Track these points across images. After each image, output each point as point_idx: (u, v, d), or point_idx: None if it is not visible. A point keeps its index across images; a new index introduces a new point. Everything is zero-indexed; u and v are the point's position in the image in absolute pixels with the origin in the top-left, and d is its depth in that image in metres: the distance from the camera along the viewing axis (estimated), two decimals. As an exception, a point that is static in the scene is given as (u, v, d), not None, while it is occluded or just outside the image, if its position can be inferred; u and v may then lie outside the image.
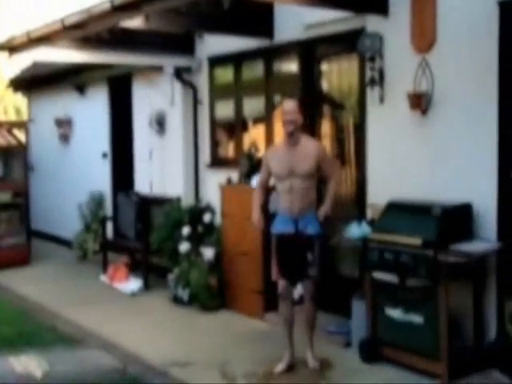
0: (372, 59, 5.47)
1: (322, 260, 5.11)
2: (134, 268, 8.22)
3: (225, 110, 7.78)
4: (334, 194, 5.19)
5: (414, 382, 4.73)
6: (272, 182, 5.30)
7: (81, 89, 10.32)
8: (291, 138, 5.02)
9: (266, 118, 6.99)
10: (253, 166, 6.49)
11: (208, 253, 6.84)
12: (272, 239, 5.22)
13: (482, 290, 4.83)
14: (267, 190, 5.56)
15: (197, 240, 7.13)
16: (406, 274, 4.71)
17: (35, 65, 7.51)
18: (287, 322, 5.17)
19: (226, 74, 7.78)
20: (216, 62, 7.74)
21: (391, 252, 4.78)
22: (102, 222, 8.92)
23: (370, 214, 5.53)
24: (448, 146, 5.02)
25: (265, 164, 5.24)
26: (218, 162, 7.84)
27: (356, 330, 5.35)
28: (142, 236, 8.05)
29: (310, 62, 6.41)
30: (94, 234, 9.38)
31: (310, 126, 6.38)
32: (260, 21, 6.68)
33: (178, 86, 8.04)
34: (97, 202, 9.74)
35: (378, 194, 5.46)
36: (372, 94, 5.56)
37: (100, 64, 8.08)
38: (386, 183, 5.48)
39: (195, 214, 7.35)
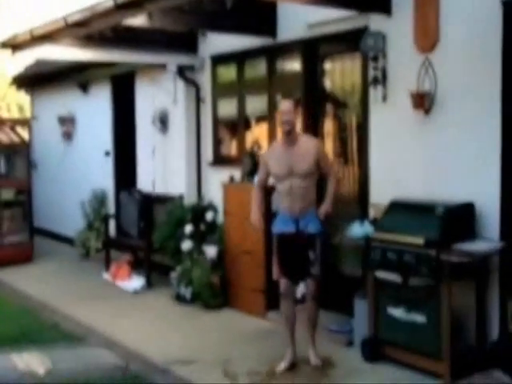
0: (375, 58, 5.46)
1: (324, 258, 5.12)
2: (136, 266, 8.23)
3: (227, 108, 7.77)
4: (333, 192, 5.19)
5: (416, 381, 4.73)
6: (271, 181, 5.30)
7: (84, 87, 10.33)
8: (289, 137, 5.03)
9: (268, 117, 6.98)
10: (255, 164, 6.48)
11: (210, 251, 6.85)
12: (273, 239, 5.23)
13: (485, 290, 4.83)
14: (269, 190, 5.56)
15: (199, 238, 7.14)
16: (409, 273, 4.71)
17: (38, 63, 7.50)
18: (289, 320, 5.18)
19: (228, 73, 7.78)
20: (219, 60, 7.74)
21: (394, 251, 4.78)
22: (105, 219, 8.93)
23: (372, 213, 5.52)
24: (451, 145, 5.01)
25: (263, 164, 5.25)
26: (220, 160, 7.84)
27: (358, 329, 5.36)
28: (144, 234, 8.06)
29: (313, 61, 6.41)
30: (96, 232, 9.39)
31: (312, 125, 6.40)
32: (263, 19, 6.68)
33: (180, 84, 8.04)
34: (99, 199, 9.74)
35: (381, 193, 5.46)
36: (375, 93, 5.55)
37: (103, 62, 8.09)
38: (389, 182, 5.48)
39: (198, 212, 7.35)
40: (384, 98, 5.48)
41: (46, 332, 6.29)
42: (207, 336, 5.95)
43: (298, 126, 6.18)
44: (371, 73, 5.54)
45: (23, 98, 15.21)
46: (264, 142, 6.95)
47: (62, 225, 10.85)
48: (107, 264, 8.50)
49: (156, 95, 8.36)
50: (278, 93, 6.80)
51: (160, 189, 8.45)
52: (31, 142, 10.32)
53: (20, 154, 9.91)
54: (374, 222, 5.20)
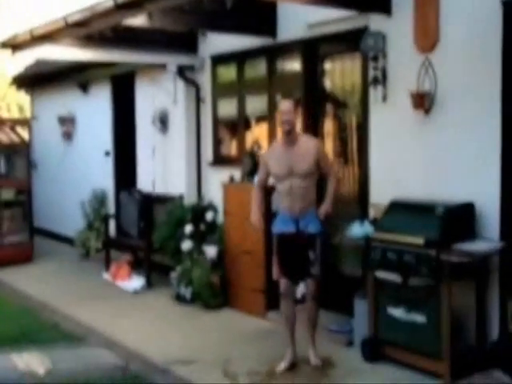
0: (375, 58, 5.46)
1: (324, 258, 5.12)
2: (136, 266, 8.23)
3: (227, 108, 7.78)
4: (333, 192, 5.20)
5: (416, 381, 4.73)
6: (271, 181, 5.30)
7: (84, 87, 10.33)
8: (289, 137, 5.03)
9: (268, 117, 6.98)
10: (255, 164, 6.48)
11: (210, 251, 6.85)
12: (273, 239, 5.23)
13: (485, 290, 4.83)
14: (269, 190, 5.56)
15: (199, 238, 7.14)
16: (409, 273, 4.71)
17: (38, 62, 7.50)
18: (289, 320, 5.18)
19: (228, 73, 7.78)
20: (219, 60, 7.74)
21: (394, 251, 4.78)
22: (105, 219, 8.93)
23: (372, 213, 5.52)
24: (451, 145, 5.01)
25: (263, 164, 5.25)
26: (220, 160, 7.84)
27: (358, 329, 5.36)
28: (144, 234, 8.06)
29: (313, 61, 6.41)
30: (96, 232, 9.39)
31: (312, 125, 6.40)
32: (263, 19, 6.68)
33: (180, 84, 8.04)
34: (99, 199, 9.74)
35: (381, 194, 5.46)
36: (375, 93, 5.55)
37: (103, 62, 8.09)
38: (389, 182, 5.48)
39: (198, 212, 7.35)
40: (384, 98, 5.48)
41: (45, 332, 6.29)
42: (207, 336, 5.95)
43: (298, 125, 6.19)
44: (371, 73, 5.54)
45: (23, 98, 15.21)
46: (264, 142, 6.95)
47: (62, 225, 10.85)
48: (107, 264, 8.50)
49: (156, 95, 8.36)
50: (278, 93, 6.80)
51: (160, 189, 8.46)
52: (31, 142, 10.32)
53: (20, 154, 9.91)
54: (374, 222, 5.20)
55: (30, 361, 5.43)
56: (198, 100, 8.05)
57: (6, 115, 15.15)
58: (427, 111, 5.11)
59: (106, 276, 8.29)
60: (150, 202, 8.43)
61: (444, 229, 4.63)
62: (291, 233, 5.06)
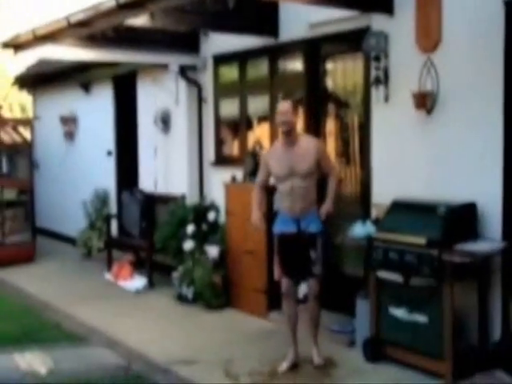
0: (377, 58, 5.46)
1: (326, 258, 5.12)
2: (138, 266, 8.24)
3: (229, 108, 7.78)
4: (334, 192, 5.20)
5: (418, 381, 4.73)
6: (272, 181, 5.31)
7: (86, 86, 10.33)
8: (288, 137, 5.04)
9: (270, 117, 6.98)
10: (257, 164, 6.48)
11: (212, 251, 6.85)
12: (274, 239, 5.23)
13: (487, 290, 4.82)
14: (270, 190, 5.56)
15: (201, 238, 7.14)
16: (411, 273, 4.70)
17: (40, 62, 7.51)
18: (291, 320, 5.18)
19: (230, 73, 7.78)
20: (221, 60, 7.74)
21: (396, 251, 4.78)
22: (107, 219, 8.93)
23: (374, 213, 5.52)
24: (453, 145, 5.01)
25: (264, 164, 5.25)
26: (222, 160, 7.84)
27: (360, 329, 5.35)
28: (146, 234, 8.06)
29: (315, 61, 6.40)
30: (98, 232, 9.40)
31: (314, 125, 6.40)
32: (265, 19, 6.68)
33: (182, 84, 8.04)
34: (101, 199, 9.75)
35: (383, 193, 5.46)
36: (377, 93, 5.55)
37: (105, 62, 8.09)
38: (391, 182, 5.47)
39: (200, 212, 7.35)
40: (386, 98, 5.48)
41: (47, 332, 6.30)
42: (209, 336, 5.95)
43: (300, 126, 6.20)
44: (373, 73, 5.53)
45: (25, 97, 15.21)
46: (266, 142, 6.94)
47: (64, 225, 10.86)
48: (109, 264, 8.50)
49: (158, 95, 8.37)
50: (280, 93, 6.80)
51: (162, 189, 8.46)
52: (33, 142, 10.32)
53: (22, 153, 9.91)
54: (376, 222, 5.19)
55: (32, 360, 5.44)
56: (200, 100, 8.06)
57: (8, 115, 15.13)
58: (429, 111, 5.11)
59: (108, 276, 8.29)
60: (151, 202, 8.43)
61: (446, 229, 4.63)
62: (292, 233, 5.06)
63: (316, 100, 6.43)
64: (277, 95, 6.85)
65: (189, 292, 6.94)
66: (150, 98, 8.66)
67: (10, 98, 17.12)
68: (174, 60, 7.74)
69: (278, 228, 5.16)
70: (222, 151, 7.95)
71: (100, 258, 9.07)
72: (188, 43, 7.77)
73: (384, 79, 5.46)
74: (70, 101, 10.74)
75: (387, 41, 5.41)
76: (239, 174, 6.91)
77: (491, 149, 4.73)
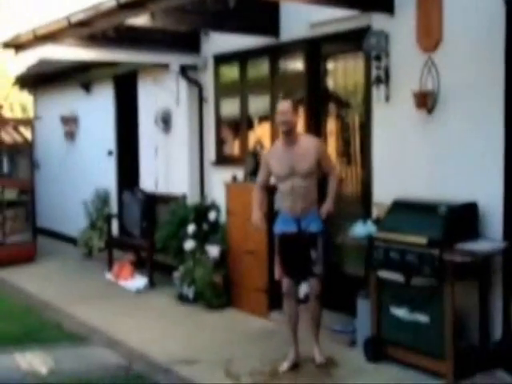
0: (378, 58, 5.45)
1: (327, 257, 5.11)
2: (139, 265, 8.24)
3: (230, 107, 7.78)
4: (335, 191, 5.19)
5: (419, 381, 4.73)
6: (272, 181, 5.30)
7: (86, 86, 10.34)
8: (288, 137, 5.04)
9: (271, 116, 6.98)
10: (258, 164, 6.48)
11: (213, 251, 6.85)
12: (275, 239, 5.23)
13: (488, 290, 4.82)
14: (271, 190, 5.56)
15: (202, 238, 7.14)
16: (412, 272, 4.70)
17: (41, 62, 7.51)
18: (292, 320, 5.17)
19: (231, 72, 7.78)
20: (221, 59, 7.74)
21: (396, 251, 4.77)
22: (108, 219, 8.93)
23: (375, 212, 5.52)
24: (454, 144, 5.00)
25: (264, 164, 5.25)
26: (223, 159, 7.84)
27: (361, 329, 5.35)
28: (147, 234, 8.06)
29: (316, 61, 6.40)
30: (99, 232, 9.40)
31: (315, 125, 6.40)
32: (266, 19, 6.68)
33: (183, 83, 8.04)
34: (102, 199, 9.76)
35: (384, 193, 5.45)
36: (378, 93, 5.54)
37: (106, 62, 8.09)
38: (392, 182, 5.47)
39: (200, 211, 7.35)
40: (387, 98, 5.47)
41: (48, 331, 6.30)
42: (210, 336, 5.95)
43: (301, 125, 6.19)
44: (374, 72, 5.53)
45: (26, 97, 15.21)
46: (267, 142, 6.94)
47: (65, 224, 10.87)
48: (110, 263, 8.50)
49: (159, 95, 8.37)
50: (281, 92, 6.79)
51: (163, 188, 8.46)
52: (34, 142, 10.32)
53: (23, 153, 9.92)
54: (377, 222, 5.19)
55: (33, 360, 5.44)
56: (201, 100, 8.05)
57: (8, 115, 15.13)
58: (430, 111, 5.10)
59: (109, 276, 8.29)
60: (152, 202, 8.43)
61: (447, 228, 4.62)
62: (293, 233, 5.06)
63: (317, 100, 6.43)
64: (277, 95, 6.85)
65: (189, 292, 6.94)
66: (151, 97, 8.66)
67: (10, 97, 17.12)
68: (175, 60, 7.75)
69: (279, 228, 5.16)
70: (222, 151, 7.95)
71: (101, 257, 9.07)
72: (189, 43, 7.77)
73: (385, 79, 5.45)
74: (70, 101, 10.75)
75: (388, 40, 5.41)
76: (240, 173, 6.91)
77: (492, 148, 4.73)
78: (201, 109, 8.07)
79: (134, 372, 5.19)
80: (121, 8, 5.28)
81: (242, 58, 7.42)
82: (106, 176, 9.90)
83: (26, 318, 6.77)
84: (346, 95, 6.40)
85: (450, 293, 4.54)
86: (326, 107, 6.47)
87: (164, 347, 5.64)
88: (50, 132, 11.28)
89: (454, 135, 5.00)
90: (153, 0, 5.09)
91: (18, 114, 17.87)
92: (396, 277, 4.82)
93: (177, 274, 7.17)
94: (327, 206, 5.14)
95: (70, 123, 10.75)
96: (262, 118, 7.32)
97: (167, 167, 8.45)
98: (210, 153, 8.00)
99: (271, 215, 5.74)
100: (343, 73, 6.38)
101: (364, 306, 5.30)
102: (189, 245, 7.13)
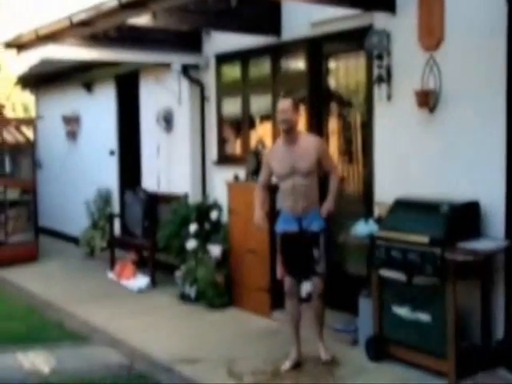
0: (379, 57, 5.45)
1: (328, 256, 5.12)
2: (141, 265, 8.24)
3: (232, 107, 7.78)
4: (336, 190, 5.19)
5: (421, 380, 4.73)
6: (274, 180, 5.30)
7: (88, 86, 10.34)
8: (289, 135, 5.04)
9: (272, 116, 6.97)
10: (260, 163, 6.47)
11: (215, 250, 6.85)
12: (276, 238, 5.23)
13: (490, 289, 4.82)
14: (273, 189, 5.57)
15: (204, 237, 7.14)
16: (413, 271, 4.70)
17: (43, 62, 7.52)
18: (294, 319, 5.18)
19: (233, 72, 7.78)
20: (223, 59, 7.74)
21: (398, 250, 4.77)
22: (110, 219, 8.94)
23: (377, 211, 5.52)
24: (455, 143, 5.00)
25: (265, 163, 5.25)
26: (225, 159, 7.84)
27: (363, 328, 5.35)
28: (149, 233, 8.06)
29: (318, 60, 6.40)
30: (101, 231, 9.41)
31: (317, 124, 6.40)
32: (267, 18, 6.68)
33: (185, 83, 8.05)
34: (104, 199, 9.76)
35: (386, 192, 5.45)
36: (379, 92, 5.54)
37: (107, 61, 8.09)
38: (394, 181, 5.47)
39: (202, 211, 7.35)
40: (389, 97, 5.47)
41: (50, 331, 6.31)
42: (212, 335, 5.96)
43: (303, 124, 6.19)
44: (376, 71, 5.53)
45: (28, 97, 15.22)
46: (268, 141, 6.94)
47: (67, 224, 10.88)
48: (112, 263, 8.51)
49: (160, 94, 8.37)
50: (282, 91, 6.79)
51: (164, 188, 8.47)
52: (36, 142, 10.33)
53: (25, 153, 9.92)
54: (379, 221, 5.19)
55: (36, 360, 5.45)
56: (203, 99, 8.06)
57: (10, 115, 15.15)
58: (432, 109, 5.10)
59: (111, 275, 8.30)
60: (154, 201, 8.44)
61: (449, 227, 4.62)
62: (294, 232, 5.06)
63: (318, 99, 6.43)
64: (279, 94, 6.85)
65: (191, 291, 6.95)
66: (153, 97, 8.67)
67: (12, 97, 17.13)
68: (177, 59, 7.74)
69: (281, 227, 5.17)
70: (224, 150, 7.95)
71: (103, 257, 9.08)
72: (190, 42, 7.77)
73: (386, 78, 5.45)
74: (72, 100, 10.75)
75: (389, 39, 5.41)
76: (242, 173, 6.91)
77: (494, 147, 4.72)
78: (202, 108, 8.08)
79: (136, 371, 5.19)
80: (122, 8, 5.28)
81: (243, 57, 7.42)
82: (107, 175, 9.90)
83: (28, 318, 6.78)
84: (348, 94, 6.39)
85: (452, 292, 4.54)
86: (328, 106, 6.47)
87: (166, 346, 5.64)
88: (52, 132, 11.29)
89: (455, 134, 4.99)
90: (154, 0, 5.09)
91: (20, 114, 17.87)
92: (398, 276, 4.82)
93: (179, 274, 7.17)
94: (328, 204, 5.14)
95: (71, 123, 10.76)
96: (264, 118, 7.32)
97: (169, 166, 8.46)
98: (212, 152, 8.01)
99: (273, 214, 5.74)
100: (345, 72, 6.37)
101: (366, 305, 5.30)
102: (191, 244, 7.13)
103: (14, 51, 7.22)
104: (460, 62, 4.94)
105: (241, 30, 6.70)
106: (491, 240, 4.72)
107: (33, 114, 13.48)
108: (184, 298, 7.04)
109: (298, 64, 6.76)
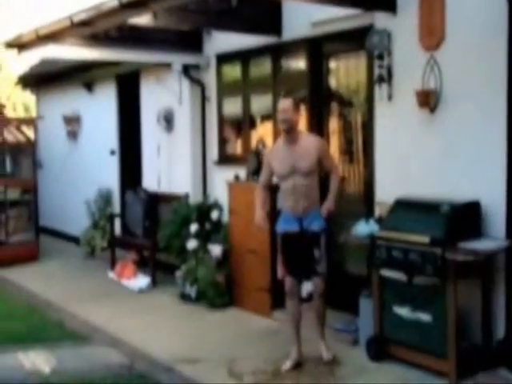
0: (380, 56, 5.45)
1: (329, 256, 5.12)
2: (141, 265, 8.24)
3: (232, 107, 7.78)
4: (336, 190, 5.19)
5: (422, 380, 4.73)
6: (275, 180, 5.30)
7: (89, 86, 10.34)
8: (289, 135, 5.04)
9: (273, 115, 6.97)
10: (260, 163, 6.47)
11: (216, 250, 6.85)
12: (277, 238, 5.23)
13: (491, 288, 4.81)
14: (274, 188, 5.57)
15: (204, 237, 7.14)
16: (414, 271, 4.70)
17: (43, 62, 7.53)
18: (294, 319, 5.18)
19: (233, 72, 7.78)
20: (224, 59, 7.74)
21: (399, 250, 4.77)
22: (110, 218, 8.94)
23: (377, 211, 5.51)
24: (456, 143, 5.00)
25: (266, 163, 5.25)
26: (225, 159, 7.84)
27: (363, 328, 5.35)
28: (149, 233, 8.07)
29: (318, 60, 6.40)
30: (101, 231, 9.41)
31: (317, 124, 6.39)
32: (268, 18, 6.68)
33: (185, 83, 8.05)
34: (105, 198, 9.77)
35: (386, 192, 5.45)
36: (380, 92, 5.54)
37: (108, 61, 8.09)
38: (394, 181, 5.47)
39: (203, 211, 7.35)
40: (389, 97, 5.47)
41: (51, 330, 6.31)
42: (212, 335, 5.96)
43: (304, 124, 6.19)
44: (376, 71, 5.52)
45: (29, 97, 15.23)
46: (269, 141, 6.94)
47: (68, 224, 10.88)
48: (112, 263, 8.51)
49: (161, 94, 8.37)
50: (283, 91, 6.79)
51: (165, 188, 8.47)
52: (37, 142, 10.34)
53: (26, 153, 9.93)
54: (380, 221, 5.19)
55: (36, 360, 5.45)
56: (203, 99, 8.06)
57: (11, 115, 15.16)
58: (432, 109, 5.10)
59: (112, 275, 8.30)
60: (155, 201, 8.44)
61: (449, 227, 4.62)
62: (295, 232, 5.06)
63: (319, 99, 6.43)
64: (280, 94, 6.85)
65: (192, 291, 6.95)
66: (153, 97, 8.67)
67: (13, 97, 17.14)
68: (178, 59, 7.74)
69: (281, 227, 5.17)
70: (225, 150, 7.95)
71: (103, 257, 9.08)
72: (191, 42, 7.77)
73: (387, 77, 5.45)
74: (73, 100, 10.76)
75: (390, 39, 5.40)
76: (242, 172, 6.90)
77: (495, 147, 4.72)
78: (203, 108, 8.08)
79: (137, 371, 5.19)
80: (123, 8, 5.28)
81: (244, 57, 7.42)
82: (108, 175, 9.90)
83: (29, 318, 6.78)
84: (349, 94, 6.39)
85: (453, 292, 4.54)
86: (329, 106, 6.47)
87: (166, 346, 5.64)
88: (53, 132, 11.29)
89: (456, 134, 4.99)
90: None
91: (21, 114, 17.89)
92: (398, 276, 4.82)
93: (179, 274, 7.17)
94: (328, 204, 5.14)
95: (72, 123, 10.76)
96: (265, 117, 7.32)
97: (170, 166, 8.46)
98: (213, 152, 8.01)
99: (274, 214, 5.74)
100: (345, 72, 6.37)
101: (366, 305, 5.30)
102: (191, 244, 7.13)
103: (14, 51, 7.22)
104: (461, 62, 4.93)
105: (241, 29, 6.70)
106: (492, 240, 4.72)
107: (33, 113, 13.49)
108: (184, 297, 7.04)
109: (299, 64, 6.76)
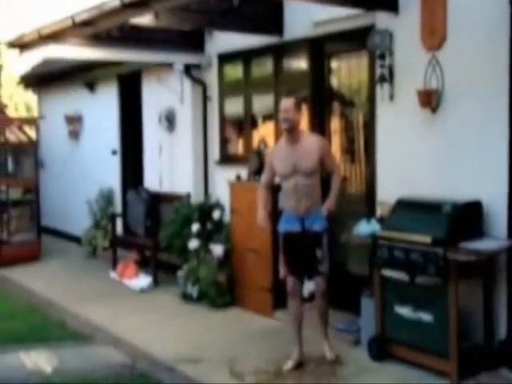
0: (382, 56, 5.45)
1: (331, 256, 5.12)
2: (143, 264, 8.25)
3: (234, 106, 7.78)
4: (338, 190, 5.19)
5: (423, 380, 4.72)
6: (277, 180, 5.30)
7: (91, 86, 10.35)
8: (291, 135, 5.03)
9: (275, 115, 6.97)
10: (262, 162, 6.47)
11: (217, 250, 6.85)
12: (279, 238, 5.23)
13: (492, 288, 4.81)
14: (276, 188, 5.57)
15: (206, 237, 7.14)
16: (416, 271, 4.70)
17: (45, 62, 7.53)
18: (296, 319, 5.18)
19: (235, 71, 7.78)
20: (225, 58, 7.74)
21: (401, 250, 4.77)
22: (112, 218, 8.95)
23: (379, 211, 5.51)
24: (458, 143, 5.00)
25: (268, 163, 5.25)
26: (227, 158, 7.84)
27: (365, 328, 5.35)
28: (151, 233, 8.07)
29: (320, 59, 6.40)
30: (103, 231, 9.42)
31: (319, 123, 6.39)
32: (270, 18, 6.68)
33: (187, 82, 8.05)
34: (106, 198, 9.77)
35: (388, 192, 5.45)
36: (382, 92, 5.54)
37: (110, 61, 8.10)
38: (396, 180, 5.46)
39: (204, 210, 7.36)
40: (391, 97, 5.47)
41: (53, 330, 6.32)
42: (214, 335, 5.96)
43: (305, 124, 6.19)
44: (378, 71, 5.52)
45: (30, 97, 15.25)
46: (270, 141, 6.94)
47: (69, 224, 10.88)
48: (114, 262, 8.51)
49: (163, 94, 8.37)
50: (285, 91, 6.79)
51: (167, 187, 8.47)
52: (38, 142, 10.34)
53: (28, 153, 9.93)
54: (381, 221, 5.19)
55: (38, 359, 5.45)
56: (205, 99, 8.06)
57: (13, 114, 15.18)
58: (434, 109, 5.10)
59: (113, 274, 8.30)
60: (156, 201, 8.44)
61: (451, 227, 4.62)
62: (297, 231, 5.06)
63: (321, 98, 6.42)
64: (281, 94, 6.84)
65: (194, 291, 6.95)
66: (155, 96, 8.66)
67: (15, 97, 17.16)
68: (179, 59, 7.74)
69: (283, 227, 5.17)
70: (226, 150, 7.95)
71: (105, 256, 9.09)
72: (193, 42, 7.78)
73: (389, 77, 5.45)
74: (74, 100, 10.76)
75: (392, 39, 5.40)
76: (244, 172, 6.91)
77: (496, 147, 4.72)
78: (205, 108, 8.08)
79: (138, 371, 5.20)
80: (125, 7, 5.29)
81: (245, 56, 7.42)
82: (110, 175, 9.90)
83: (31, 317, 6.79)
84: (350, 94, 6.39)
85: (454, 291, 4.53)
86: (330, 106, 6.47)
87: (168, 346, 5.64)
88: (55, 131, 11.30)
89: (458, 134, 4.99)
90: (156, -1, 5.10)
91: (23, 114, 17.92)
92: (400, 275, 4.82)
93: (181, 273, 7.17)
94: (328, 203, 5.13)
95: (74, 122, 10.77)
96: (266, 117, 7.32)
97: (171, 166, 8.46)
98: (214, 152, 8.01)
99: (276, 214, 5.74)
100: (347, 71, 6.37)
101: (368, 305, 5.30)
102: (193, 244, 7.13)
103: (16, 51, 7.23)
104: (462, 62, 4.93)
105: (243, 29, 6.70)
106: (494, 240, 4.72)
107: (35, 113, 13.49)
108: (186, 297, 7.04)
109: (301, 63, 6.76)
